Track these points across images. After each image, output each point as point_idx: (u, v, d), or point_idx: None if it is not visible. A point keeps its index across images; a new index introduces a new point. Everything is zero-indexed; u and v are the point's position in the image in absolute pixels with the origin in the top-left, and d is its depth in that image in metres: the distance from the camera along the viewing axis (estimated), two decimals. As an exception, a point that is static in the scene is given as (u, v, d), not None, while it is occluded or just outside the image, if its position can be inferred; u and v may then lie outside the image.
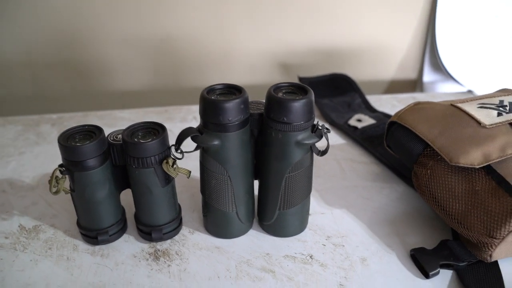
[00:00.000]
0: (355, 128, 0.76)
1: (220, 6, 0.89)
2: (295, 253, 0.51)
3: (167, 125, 0.50)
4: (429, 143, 0.52)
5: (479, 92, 0.94)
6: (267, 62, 0.98)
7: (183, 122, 0.80)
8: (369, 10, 0.94)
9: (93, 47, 0.91)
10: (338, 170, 0.67)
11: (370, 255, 0.51)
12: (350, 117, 0.79)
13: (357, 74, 0.99)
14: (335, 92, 0.86)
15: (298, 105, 0.44)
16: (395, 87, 1.05)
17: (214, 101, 0.44)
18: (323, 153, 0.48)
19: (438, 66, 0.98)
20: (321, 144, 0.48)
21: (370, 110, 0.83)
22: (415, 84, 1.05)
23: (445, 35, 0.94)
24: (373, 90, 1.03)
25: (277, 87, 0.47)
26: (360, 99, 0.85)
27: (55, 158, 0.69)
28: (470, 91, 0.95)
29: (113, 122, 0.81)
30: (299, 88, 0.48)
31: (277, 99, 0.45)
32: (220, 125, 0.45)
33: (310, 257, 0.51)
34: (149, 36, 0.91)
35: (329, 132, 0.47)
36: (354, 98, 0.85)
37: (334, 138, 0.75)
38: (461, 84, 0.96)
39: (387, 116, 0.79)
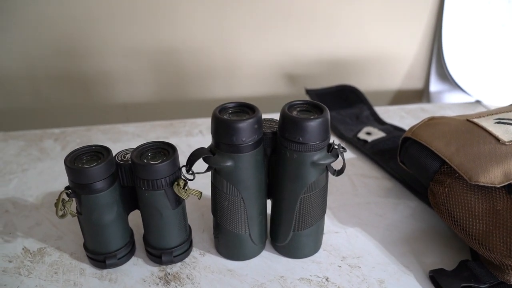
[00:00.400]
0: (365, 141, 0.74)
1: (224, 17, 0.88)
2: (311, 276, 0.49)
3: (173, 140, 0.48)
4: (447, 160, 0.50)
5: (487, 102, 0.93)
6: (273, 73, 0.96)
7: (189, 136, 0.79)
8: (375, 20, 0.93)
9: (95, 59, 0.90)
10: (349, 186, 0.65)
11: (387, 277, 0.49)
12: (359, 130, 0.78)
13: (363, 84, 0.98)
14: (343, 104, 0.85)
15: (314, 124, 0.43)
16: (401, 97, 1.04)
17: (227, 121, 0.43)
18: (339, 172, 0.46)
19: (445, 76, 0.97)
20: (335, 163, 0.46)
21: (378, 122, 0.81)
22: (422, 94, 1.04)
23: (452, 44, 0.92)
24: (379, 101, 1.02)
25: (291, 105, 0.46)
26: (369, 111, 0.84)
27: (59, 175, 0.68)
28: (478, 101, 0.94)
29: (117, 136, 0.79)
30: (314, 106, 0.46)
31: (292, 118, 0.43)
32: (233, 146, 0.43)
33: (326, 279, 0.49)
34: (152, 48, 0.90)
35: (345, 151, 0.46)
36: (362, 110, 0.84)
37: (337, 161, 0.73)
38: (468, 94, 0.94)
39: (397, 128, 0.78)
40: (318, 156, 0.44)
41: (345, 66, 0.98)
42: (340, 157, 0.45)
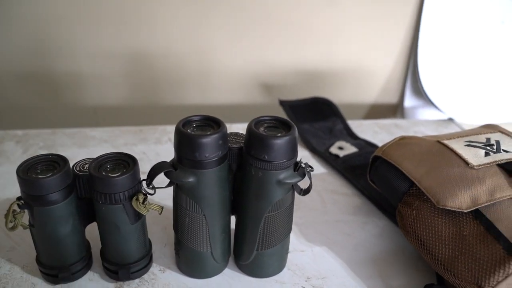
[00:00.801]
0: (337, 156, 0.73)
1: (200, 24, 0.86)
2: (273, 297, 0.48)
3: (141, 147, 0.46)
4: (416, 182, 0.50)
5: (459, 120, 0.94)
6: (248, 82, 0.95)
7: (158, 144, 0.77)
8: (352, 32, 0.93)
9: (65, 60, 0.87)
10: (319, 203, 0.64)
11: (351, 300, 0.48)
12: (331, 144, 0.77)
13: (339, 96, 0.98)
14: (316, 117, 0.84)
15: (280, 142, 0.41)
16: (376, 111, 1.04)
17: (190, 135, 0.41)
18: (305, 192, 0.45)
19: (420, 92, 0.97)
20: (302, 182, 0.45)
21: (351, 136, 0.81)
22: (396, 109, 1.04)
23: (427, 60, 0.93)
24: (354, 114, 1.02)
25: (258, 121, 0.44)
26: (342, 125, 0.83)
27: (18, 181, 0.64)
28: (450, 119, 0.94)
29: (84, 141, 0.76)
30: (282, 123, 0.45)
31: (258, 136, 0.42)
32: (196, 162, 0.41)
33: (289, 301, 0.47)
34: (125, 51, 0.87)
35: (312, 170, 0.44)
36: (336, 123, 0.83)
37: (315, 167, 0.72)
38: (441, 111, 0.95)
39: (369, 144, 0.77)
40: (284, 175, 0.43)
41: (321, 78, 0.97)
42: (307, 176, 0.44)
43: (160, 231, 0.56)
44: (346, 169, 0.70)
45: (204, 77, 0.93)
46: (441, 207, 0.46)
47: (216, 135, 0.41)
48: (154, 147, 0.75)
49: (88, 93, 0.91)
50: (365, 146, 0.77)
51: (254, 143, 0.42)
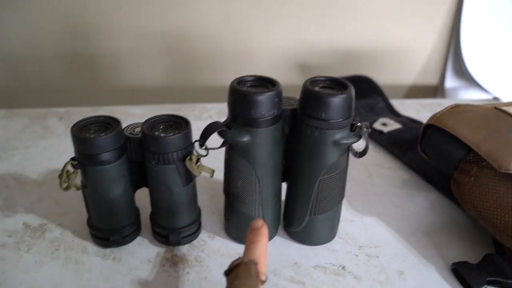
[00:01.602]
0: (381, 132, 0.71)
1: (237, 3, 0.85)
2: (326, 263, 0.47)
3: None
4: (474, 147, 0.48)
5: (506, 99, 0.90)
6: (285, 61, 0.94)
7: (198, 120, 0.76)
8: (391, 11, 0.90)
9: (104, 40, 0.87)
10: (366, 176, 0.62)
11: (407, 268, 0.47)
12: (374, 121, 0.75)
13: (377, 77, 0.95)
14: (357, 95, 0.82)
15: (338, 100, 0.40)
16: (415, 92, 1.01)
17: (246, 93, 0.40)
18: (361, 154, 0.44)
19: (462, 72, 0.94)
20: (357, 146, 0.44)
21: (394, 114, 0.79)
22: (436, 90, 1.01)
23: (471, 39, 0.90)
24: (392, 95, 0.99)
25: (313, 81, 0.43)
26: (384, 103, 0.81)
27: (63, 153, 0.65)
28: (496, 99, 0.91)
29: (124, 118, 0.75)
30: (337, 83, 0.44)
31: (315, 94, 0.41)
32: (251, 120, 0.40)
33: (343, 268, 0.46)
34: (163, 32, 0.87)
35: (369, 131, 0.43)
36: (377, 101, 0.81)
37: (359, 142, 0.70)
38: (487, 91, 0.92)
39: (413, 121, 0.75)
40: (340, 135, 0.42)
41: (359, 58, 0.95)
42: (363, 138, 0.43)
43: (207, 200, 0.56)
44: (391, 144, 0.68)
45: (240, 57, 0.92)
46: (503, 171, 0.44)
47: (272, 93, 0.40)
48: (195, 123, 0.74)
49: (126, 74, 0.92)
50: (409, 123, 0.75)
51: (311, 102, 0.41)
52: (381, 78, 0.97)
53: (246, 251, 0.35)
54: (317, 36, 0.92)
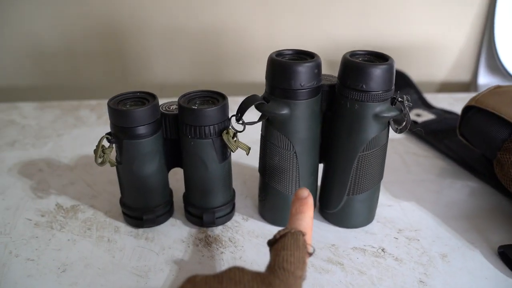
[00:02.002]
0: (415, 122, 0.70)
1: (266, 1, 0.85)
2: (365, 245, 0.45)
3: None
4: (520, 126, 0.46)
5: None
6: (314, 57, 0.93)
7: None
8: (421, 5, 0.89)
9: (134, 37, 0.88)
10: (401, 164, 0.60)
11: (450, 251, 0.45)
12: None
13: (408, 72, 0.94)
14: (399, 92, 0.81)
15: (379, 71, 0.39)
16: (446, 89, 0.99)
17: (286, 63, 0.39)
18: (401, 130, 0.42)
19: (496, 67, 0.92)
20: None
21: (427, 106, 0.77)
22: (469, 87, 0.99)
23: (505, 32, 0.87)
24: (424, 91, 0.97)
25: (353, 54, 0.42)
26: (416, 95, 0.79)
27: (95, 140, 0.64)
28: (532, 93, 0.88)
29: (154, 110, 0.76)
30: (377, 56, 0.42)
31: (356, 64, 0.40)
32: (290, 91, 0.40)
33: (382, 250, 0.44)
34: (192, 29, 0.87)
35: (411, 105, 0.42)
36: (409, 94, 0.79)
37: (393, 132, 0.69)
38: (522, 86, 0.89)
39: (448, 112, 0.73)
40: (380, 108, 0.40)
41: (390, 53, 0.93)
42: (404, 111, 0.41)
43: (240, 184, 0.55)
44: (426, 133, 0.66)
45: (268, 53, 0.92)
46: (553, 148, 0.42)
47: (312, 63, 0.39)
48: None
49: (156, 70, 0.92)
50: (443, 113, 0.73)
51: (351, 73, 0.40)
52: (411, 74, 0.95)
53: (292, 221, 0.33)
54: (346, 33, 0.91)
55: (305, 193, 0.35)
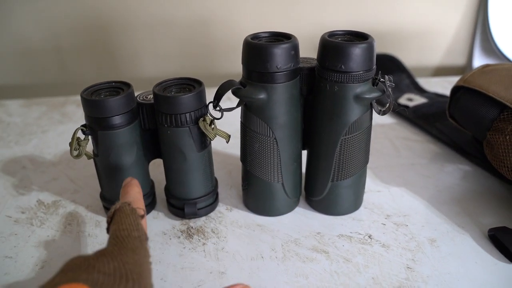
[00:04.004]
0: (406, 107, 0.68)
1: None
2: (351, 233, 0.44)
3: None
4: (508, 104, 0.44)
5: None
6: (306, 46, 0.90)
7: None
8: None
9: (121, 31, 0.86)
10: (391, 148, 0.59)
11: (439, 236, 0.43)
12: (398, 97, 0.72)
13: (401, 58, 0.92)
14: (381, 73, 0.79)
15: (358, 50, 0.38)
16: (441, 73, 0.97)
17: (261, 45, 0.38)
18: (385, 111, 0.41)
19: (491, 50, 0.90)
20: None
21: (419, 90, 0.75)
22: (464, 71, 0.97)
23: (500, 14, 0.85)
24: (417, 76, 0.95)
25: (331, 34, 0.41)
26: (408, 80, 0.78)
27: (79, 135, 0.64)
28: (528, 75, 0.86)
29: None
30: (357, 36, 0.41)
31: (334, 44, 0.38)
32: (267, 75, 0.38)
33: (369, 237, 0.43)
34: (180, 20, 0.86)
35: (393, 86, 0.40)
36: (401, 78, 0.78)
37: (383, 117, 0.67)
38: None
39: (440, 96, 0.72)
40: (361, 89, 0.39)
41: (382, 39, 0.92)
42: (386, 92, 0.40)
43: (225, 175, 0.54)
44: (417, 117, 0.65)
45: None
46: (542, 125, 0.41)
47: (288, 45, 0.38)
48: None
49: (144, 64, 0.91)
50: (436, 97, 0.71)
51: (329, 53, 0.38)
52: (405, 59, 0.93)
53: (120, 201, 0.34)
54: (338, 19, 0.89)
55: (127, 180, 0.37)
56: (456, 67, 0.97)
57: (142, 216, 0.32)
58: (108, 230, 0.32)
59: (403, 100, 0.69)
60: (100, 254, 0.28)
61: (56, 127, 0.67)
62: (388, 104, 0.40)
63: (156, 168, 0.53)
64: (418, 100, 0.69)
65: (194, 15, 0.85)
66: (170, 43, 0.88)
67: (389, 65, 0.81)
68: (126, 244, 0.29)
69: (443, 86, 0.80)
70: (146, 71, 0.92)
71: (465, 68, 0.97)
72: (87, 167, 0.55)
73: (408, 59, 0.93)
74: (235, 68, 0.92)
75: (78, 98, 0.77)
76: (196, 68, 0.92)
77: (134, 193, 0.35)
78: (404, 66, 0.80)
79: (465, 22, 0.91)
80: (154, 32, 0.87)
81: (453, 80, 0.82)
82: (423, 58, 0.95)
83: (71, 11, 0.83)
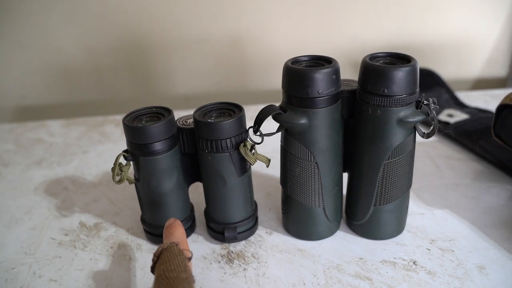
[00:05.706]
0: (447, 123, 0.66)
1: (288, 6, 0.84)
2: (395, 258, 0.43)
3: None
4: (560, 125, 0.42)
5: None
6: (339, 61, 0.90)
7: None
8: (450, 1, 0.85)
9: (157, 50, 0.88)
10: (433, 168, 0.57)
11: (488, 262, 0.41)
12: (438, 113, 0.70)
13: (439, 71, 0.90)
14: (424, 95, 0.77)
15: (401, 73, 0.37)
16: (481, 86, 0.94)
17: (301, 70, 0.37)
18: (429, 135, 0.40)
19: (533, 61, 0.87)
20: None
21: (460, 105, 0.73)
22: (505, 82, 0.94)
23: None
24: (456, 89, 0.93)
25: (373, 57, 0.40)
26: (448, 94, 0.76)
27: (118, 155, 0.65)
28: None
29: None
30: (399, 58, 0.40)
31: (376, 67, 0.37)
32: (308, 100, 0.38)
33: (414, 263, 0.42)
34: (214, 38, 0.87)
35: (438, 108, 0.39)
36: (441, 93, 0.76)
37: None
38: None
39: (482, 111, 0.69)
40: (405, 113, 0.38)
41: (417, 53, 0.90)
42: (431, 115, 0.39)
43: (263, 197, 0.53)
44: (459, 134, 0.63)
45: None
46: None
47: (329, 69, 0.37)
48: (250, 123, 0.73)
49: (180, 82, 0.92)
50: (478, 112, 0.69)
51: (371, 77, 0.38)
52: (443, 72, 0.92)
53: (164, 241, 0.35)
54: (373, 32, 0.88)
55: (170, 221, 0.38)
56: (497, 79, 0.94)
57: (190, 258, 0.33)
58: (152, 268, 0.32)
59: (443, 116, 0.68)
60: None
61: (95, 147, 0.69)
62: (432, 127, 0.39)
63: (195, 189, 0.53)
64: (459, 116, 0.67)
65: (228, 33, 0.86)
66: (204, 60, 0.89)
67: (426, 79, 0.79)
68: (176, 286, 0.29)
69: (484, 100, 0.77)
70: (181, 88, 0.93)
71: (506, 80, 0.94)
72: (127, 188, 0.56)
73: (446, 72, 0.91)
74: (269, 85, 0.92)
75: (116, 117, 0.79)
76: (230, 86, 0.93)
77: (179, 235, 0.36)
78: (442, 80, 0.78)
79: (505, 33, 0.89)
80: (188, 50, 0.88)
81: (494, 93, 0.80)
82: (462, 70, 0.93)
83: (108, 31, 0.85)
